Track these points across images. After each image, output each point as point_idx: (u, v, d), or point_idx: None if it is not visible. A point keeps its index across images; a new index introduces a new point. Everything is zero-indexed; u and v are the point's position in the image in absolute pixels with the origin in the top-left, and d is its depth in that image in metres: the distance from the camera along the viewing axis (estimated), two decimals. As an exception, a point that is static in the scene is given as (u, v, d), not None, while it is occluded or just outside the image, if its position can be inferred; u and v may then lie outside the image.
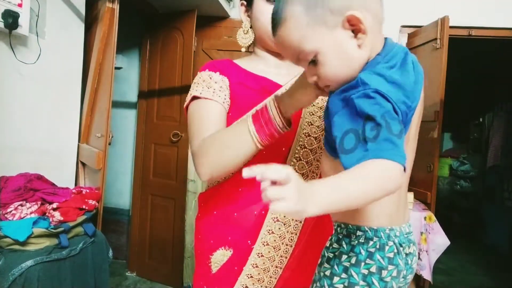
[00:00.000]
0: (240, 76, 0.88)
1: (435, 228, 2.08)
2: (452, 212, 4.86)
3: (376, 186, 0.48)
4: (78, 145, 2.08)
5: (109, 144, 1.93)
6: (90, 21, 2.10)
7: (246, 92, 0.86)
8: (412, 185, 2.42)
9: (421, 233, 2.03)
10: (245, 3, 0.91)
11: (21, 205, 1.46)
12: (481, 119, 5.05)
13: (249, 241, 0.82)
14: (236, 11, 2.81)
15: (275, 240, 0.82)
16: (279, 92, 0.78)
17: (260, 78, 0.89)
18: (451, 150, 5.34)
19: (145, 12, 2.79)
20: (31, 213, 1.45)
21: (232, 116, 0.85)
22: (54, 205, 1.53)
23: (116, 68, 2.92)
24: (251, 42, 0.92)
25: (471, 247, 4.24)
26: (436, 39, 2.28)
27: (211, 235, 0.86)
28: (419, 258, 2.03)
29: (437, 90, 2.23)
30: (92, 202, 1.69)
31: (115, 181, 3.07)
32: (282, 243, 0.82)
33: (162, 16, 2.75)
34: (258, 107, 0.77)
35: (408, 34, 2.67)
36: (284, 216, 0.81)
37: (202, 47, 2.84)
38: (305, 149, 0.86)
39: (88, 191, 1.78)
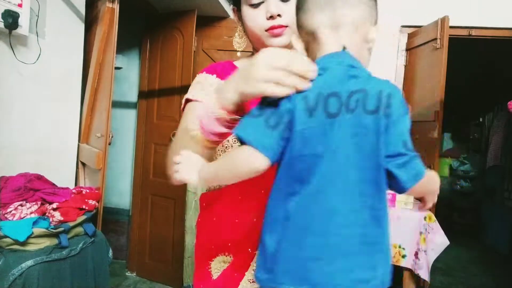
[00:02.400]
0: None
1: (434, 228, 2.08)
2: (452, 212, 4.87)
3: (232, 165, 0.61)
4: (78, 145, 2.08)
5: (109, 144, 1.93)
6: (90, 21, 2.10)
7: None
8: (412, 185, 2.42)
9: (420, 233, 2.04)
10: (235, 8, 0.94)
11: (21, 205, 1.46)
12: (481, 119, 5.06)
13: (249, 249, 0.80)
14: (236, 11, 2.81)
15: None
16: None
17: None
18: (451, 150, 5.34)
19: (145, 12, 2.79)
20: (31, 213, 1.45)
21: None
22: (54, 205, 1.53)
23: (116, 68, 2.92)
24: (245, 45, 0.94)
25: (471, 247, 4.24)
26: (436, 39, 2.28)
27: (212, 241, 0.85)
28: (417, 257, 2.03)
29: (437, 90, 2.23)
30: (92, 202, 1.69)
31: (115, 181, 3.07)
32: None
33: (162, 16, 2.75)
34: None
35: (408, 34, 2.67)
36: None
37: (202, 47, 2.84)
38: None
39: (88, 191, 1.78)
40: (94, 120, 2.07)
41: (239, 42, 0.96)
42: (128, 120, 3.05)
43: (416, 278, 2.10)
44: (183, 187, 2.66)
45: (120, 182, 3.09)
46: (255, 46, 0.91)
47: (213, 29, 2.82)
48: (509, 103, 1.94)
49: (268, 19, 0.81)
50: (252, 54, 0.96)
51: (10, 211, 1.41)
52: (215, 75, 0.88)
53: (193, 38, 2.59)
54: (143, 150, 2.88)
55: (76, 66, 2.03)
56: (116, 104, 2.94)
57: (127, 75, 3.05)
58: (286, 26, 0.81)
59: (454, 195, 4.94)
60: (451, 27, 2.27)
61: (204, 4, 2.54)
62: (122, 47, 2.93)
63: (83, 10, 2.03)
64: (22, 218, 1.41)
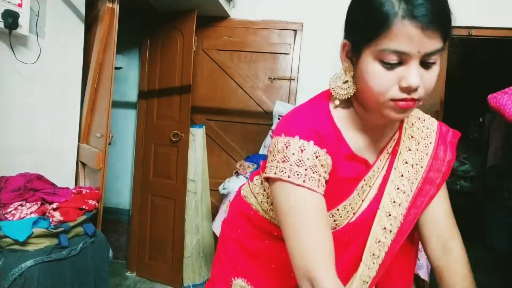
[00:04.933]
0: (342, 157, 0.71)
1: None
2: (452, 212, 4.86)
3: None
4: (78, 145, 2.08)
5: (109, 144, 1.93)
6: (90, 21, 2.10)
7: (343, 182, 0.72)
8: (412, 185, 2.42)
9: (421, 233, 2.04)
10: (349, 46, 0.68)
11: (21, 205, 1.46)
12: (481, 119, 5.05)
13: None
14: (236, 11, 2.81)
15: None
16: None
17: (359, 160, 0.74)
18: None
19: (145, 12, 2.79)
20: (31, 213, 1.45)
21: None
22: (54, 205, 1.53)
23: (116, 68, 2.92)
24: (350, 95, 0.70)
25: (471, 247, 4.21)
26: (436, 39, 2.28)
27: (241, 263, 0.84)
28: (417, 258, 2.02)
29: (437, 90, 2.24)
30: (92, 202, 1.69)
31: (115, 181, 3.07)
32: None
33: (162, 16, 2.75)
34: None
35: (408, 34, 2.67)
36: None
37: (202, 47, 2.84)
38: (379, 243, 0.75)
39: (88, 191, 1.78)
40: (94, 120, 2.07)
41: (342, 87, 0.69)
42: (128, 120, 3.05)
43: (416, 278, 2.10)
44: (183, 187, 2.66)
45: (120, 182, 3.09)
46: (363, 102, 0.70)
47: (213, 29, 2.82)
48: (489, 96, 1.91)
49: (401, 89, 0.61)
50: (351, 105, 0.74)
51: (10, 211, 1.41)
52: (325, 150, 0.67)
53: (193, 38, 2.59)
54: (143, 150, 2.88)
55: (76, 66, 2.03)
56: (116, 104, 2.94)
57: (127, 75, 3.05)
58: (418, 100, 0.63)
59: (454, 195, 4.94)
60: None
61: (204, 4, 2.54)
62: (122, 47, 2.93)
63: (83, 10, 2.03)
64: (22, 218, 1.41)
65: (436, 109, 2.23)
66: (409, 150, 0.77)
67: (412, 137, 0.78)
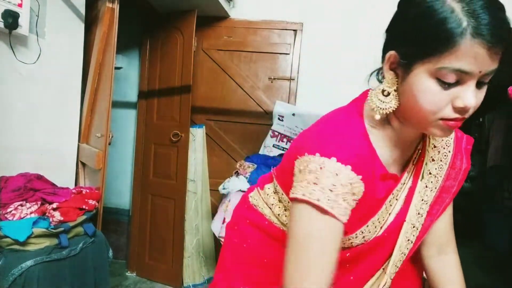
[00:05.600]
0: (376, 178, 0.68)
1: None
2: (452, 212, 4.86)
3: None
4: (78, 145, 2.08)
5: (109, 144, 1.93)
6: (90, 21, 2.10)
7: (374, 200, 0.70)
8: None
9: (421, 233, 2.04)
10: (398, 58, 0.62)
11: (21, 205, 1.46)
12: (481, 119, 5.05)
13: None
14: (236, 11, 2.81)
15: None
16: None
17: (390, 177, 0.72)
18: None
19: (145, 12, 2.79)
20: (31, 213, 1.45)
21: (348, 227, 0.67)
22: (54, 205, 1.53)
23: (116, 68, 2.92)
24: (391, 109, 0.65)
25: (471, 247, 4.24)
26: (436, 39, 2.28)
27: (249, 271, 0.83)
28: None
29: (437, 90, 2.24)
30: (92, 202, 1.69)
31: (115, 181, 3.07)
32: None
33: (162, 16, 2.75)
34: None
35: (408, 34, 2.67)
36: None
37: (202, 47, 2.84)
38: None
39: (88, 191, 1.78)
40: (94, 120, 2.07)
41: (383, 100, 0.64)
42: (128, 120, 3.05)
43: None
44: (183, 187, 2.66)
45: (120, 182, 3.09)
46: (408, 120, 0.66)
47: (213, 29, 2.82)
48: (509, 88, 1.91)
49: (455, 109, 0.58)
50: (387, 120, 0.70)
51: (10, 211, 1.41)
52: (360, 177, 0.62)
53: (193, 38, 2.59)
54: (143, 150, 2.88)
55: (76, 66, 2.03)
56: (116, 104, 2.94)
57: (127, 75, 3.05)
58: (464, 118, 0.60)
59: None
60: (451, 27, 2.27)
61: (204, 4, 2.54)
62: (122, 47, 2.93)
63: (83, 10, 2.03)
64: (22, 218, 1.41)
65: (436, 109, 2.23)
66: (433, 160, 0.76)
67: (435, 146, 0.77)
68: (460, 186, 0.77)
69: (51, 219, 1.47)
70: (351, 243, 0.72)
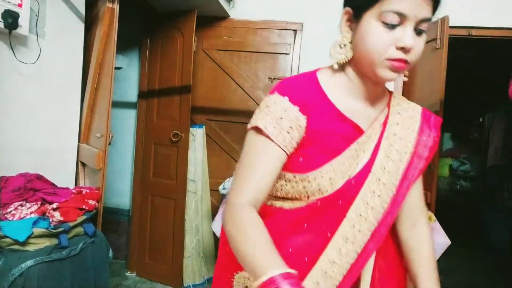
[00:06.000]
0: (327, 116, 0.78)
1: (435, 228, 2.08)
2: (452, 212, 4.86)
3: None
4: (78, 145, 2.08)
5: (109, 144, 1.93)
6: (90, 21, 2.10)
7: (328, 140, 0.77)
8: (412, 185, 2.42)
9: (421, 233, 2.03)
10: (351, 12, 0.76)
11: (21, 205, 1.46)
12: (481, 119, 5.05)
13: None
14: (236, 11, 2.81)
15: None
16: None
17: (346, 124, 0.79)
18: (451, 150, 5.34)
19: (145, 12, 2.79)
20: (31, 213, 1.45)
21: (304, 165, 0.77)
22: (54, 205, 1.53)
23: (116, 68, 2.92)
24: (347, 60, 0.77)
25: (471, 247, 4.24)
26: (436, 39, 2.27)
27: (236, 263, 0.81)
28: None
29: (437, 90, 2.23)
30: (92, 202, 1.69)
31: (115, 181, 3.07)
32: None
33: (162, 16, 2.75)
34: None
35: (408, 34, 2.67)
36: (333, 271, 0.76)
37: (202, 47, 2.84)
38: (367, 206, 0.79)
39: (88, 191, 1.78)
40: (94, 120, 2.07)
41: (339, 52, 0.77)
42: (128, 120, 3.05)
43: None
44: (183, 187, 2.66)
45: (120, 182, 3.09)
46: (358, 65, 0.78)
47: (213, 29, 2.82)
48: (510, 88, 1.91)
49: (398, 48, 0.70)
50: (343, 71, 0.82)
51: (10, 211, 1.41)
52: (297, 108, 0.75)
53: (193, 38, 2.59)
54: (143, 150, 2.88)
55: (76, 66, 2.03)
56: (116, 104, 2.94)
57: (127, 75, 3.05)
58: (408, 64, 0.72)
59: (454, 195, 4.94)
60: (451, 27, 2.27)
61: (204, 4, 2.54)
62: (122, 47, 2.93)
63: (83, 10, 2.03)
64: (22, 218, 1.41)
65: (436, 109, 2.23)
66: (397, 124, 0.83)
67: (399, 113, 0.85)
68: (432, 153, 0.84)
69: (51, 219, 1.47)
70: (319, 187, 0.76)
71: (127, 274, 2.91)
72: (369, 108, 0.83)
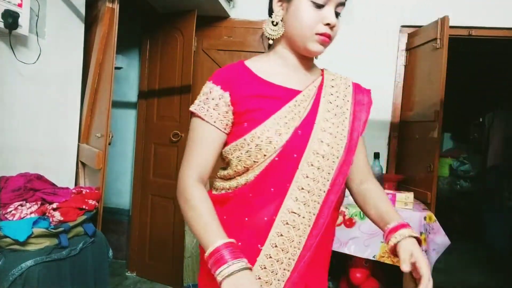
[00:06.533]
0: (253, 86, 0.86)
1: (435, 228, 2.08)
2: (452, 212, 4.86)
3: None
4: (78, 145, 2.08)
5: (109, 144, 1.93)
6: (90, 21, 2.10)
7: (262, 102, 0.85)
8: (412, 185, 2.42)
9: (421, 233, 2.03)
10: None
11: (21, 205, 1.46)
12: (481, 119, 5.05)
13: (259, 245, 0.83)
14: (236, 11, 2.81)
15: (283, 242, 0.82)
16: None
17: (277, 88, 0.88)
18: (451, 150, 5.34)
19: (145, 12, 2.79)
20: (31, 213, 1.45)
21: (249, 126, 0.84)
22: (54, 205, 1.53)
23: (116, 68, 2.92)
24: (279, 36, 0.87)
25: (471, 247, 4.24)
26: (436, 39, 2.28)
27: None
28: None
29: (437, 90, 2.23)
30: (92, 202, 1.69)
31: (115, 181, 3.07)
32: (291, 246, 0.83)
33: (162, 16, 2.75)
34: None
35: (408, 34, 2.67)
36: (294, 220, 0.82)
37: (202, 47, 2.84)
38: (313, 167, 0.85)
39: (88, 191, 1.78)
40: (94, 120, 2.07)
41: (272, 29, 0.87)
42: (128, 120, 3.05)
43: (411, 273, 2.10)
44: (183, 187, 2.66)
45: (120, 182, 3.09)
46: (289, 42, 0.89)
47: (213, 29, 2.82)
48: None
49: (324, 24, 0.82)
50: (272, 51, 0.93)
51: (10, 211, 1.41)
52: (219, 86, 0.86)
53: (193, 38, 2.59)
54: (143, 150, 2.88)
55: (76, 66, 2.03)
56: (116, 104, 2.94)
57: (127, 75, 3.05)
58: (330, 39, 0.85)
59: (454, 195, 4.94)
60: (451, 27, 2.27)
61: (204, 4, 2.54)
62: (122, 47, 2.93)
63: (83, 10, 2.03)
64: (22, 218, 1.41)
65: (436, 109, 2.23)
66: (332, 87, 0.93)
67: (332, 79, 0.95)
68: (369, 108, 0.95)
69: (51, 219, 1.47)
70: (270, 140, 0.82)
71: (127, 274, 2.91)
72: (303, 77, 0.92)
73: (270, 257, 0.82)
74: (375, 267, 2.28)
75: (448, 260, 3.55)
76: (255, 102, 0.85)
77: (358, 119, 0.92)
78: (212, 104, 0.85)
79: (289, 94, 0.87)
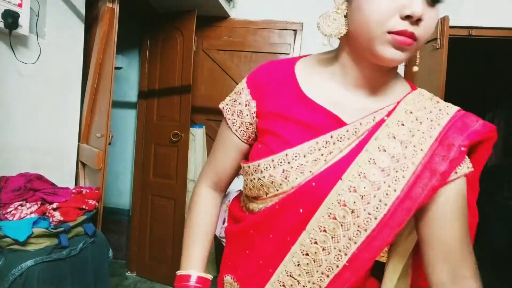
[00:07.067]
0: (284, 101, 0.66)
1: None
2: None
3: None
4: (78, 145, 2.08)
5: (109, 144, 1.93)
6: (90, 21, 2.10)
7: (286, 126, 0.65)
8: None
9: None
10: None
11: (21, 205, 1.46)
12: (481, 119, 5.05)
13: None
14: (236, 11, 2.81)
15: None
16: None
17: (316, 110, 0.64)
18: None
19: (145, 12, 2.79)
20: (31, 213, 1.45)
21: (258, 152, 0.66)
22: (54, 205, 1.53)
23: (116, 68, 2.92)
24: (339, 34, 0.62)
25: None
26: (436, 39, 2.28)
27: (230, 257, 0.80)
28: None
29: (437, 90, 2.23)
30: (92, 202, 1.69)
31: (115, 181, 3.07)
32: None
33: (162, 16, 2.75)
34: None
35: (408, 34, 2.67)
36: (291, 285, 0.65)
37: (202, 47, 2.84)
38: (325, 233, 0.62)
39: (88, 191, 1.78)
40: (94, 120, 2.07)
41: (329, 25, 0.62)
42: (128, 120, 3.05)
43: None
44: (183, 187, 2.66)
45: (120, 182, 3.09)
46: (353, 45, 0.62)
47: (213, 29, 2.82)
48: None
49: (402, 18, 0.55)
50: (335, 57, 0.68)
51: (10, 211, 1.41)
52: (249, 91, 0.70)
53: (193, 38, 2.59)
54: (143, 150, 2.88)
55: (76, 66, 2.03)
56: (116, 104, 2.95)
57: (127, 75, 3.05)
58: (416, 40, 0.56)
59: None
60: (451, 27, 2.27)
61: (204, 4, 2.54)
62: (122, 47, 2.93)
63: (83, 10, 2.03)
64: (22, 218, 1.41)
65: (436, 109, 2.23)
66: (402, 125, 0.62)
67: (411, 112, 0.63)
68: (453, 167, 0.59)
69: (51, 219, 1.47)
70: (272, 180, 0.63)
71: (127, 274, 2.91)
72: (365, 100, 0.65)
73: None
74: (375, 267, 2.28)
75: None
76: (278, 123, 0.66)
77: (424, 185, 0.58)
78: (237, 109, 0.72)
79: (328, 123, 0.63)
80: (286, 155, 0.62)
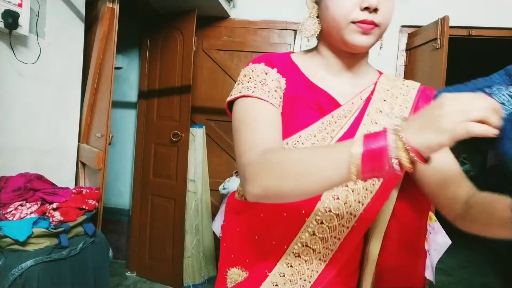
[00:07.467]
0: (299, 85, 0.75)
1: (436, 228, 2.08)
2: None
3: None
4: (78, 145, 2.08)
5: (109, 144, 1.93)
6: (90, 21, 2.10)
7: (302, 107, 0.72)
8: (412, 185, 2.42)
9: (421, 233, 2.03)
10: None
11: (21, 205, 1.46)
12: (481, 119, 5.05)
13: (266, 270, 0.75)
14: (236, 11, 2.81)
15: (292, 274, 0.74)
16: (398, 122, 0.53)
17: (319, 91, 0.75)
18: (451, 150, 5.34)
19: (145, 12, 2.79)
20: (31, 213, 1.45)
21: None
22: (54, 205, 1.53)
23: (116, 68, 2.92)
24: (316, 33, 0.75)
25: (471, 247, 4.24)
26: (436, 39, 2.28)
27: (232, 250, 0.81)
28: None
29: (437, 90, 2.23)
30: (92, 202, 1.69)
31: (115, 181, 3.07)
32: (300, 278, 0.74)
33: (162, 16, 2.75)
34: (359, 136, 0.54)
35: (408, 34, 2.67)
36: (306, 254, 0.72)
37: (202, 47, 2.84)
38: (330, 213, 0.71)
39: (88, 191, 1.78)
40: (94, 120, 2.07)
41: (310, 25, 0.75)
42: (128, 120, 3.05)
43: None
44: (183, 187, 2.66)
45: (120, 182, 3.09)
46: (327, 38, 0.75)
47: (213, 29, 2.82)
48: None
49: (362, 9, 0.66)
50: (317, 51, 0.79)
51: (10, 211, 1.41)
52: (276, 69, 0.74)
53: (193, 38, 2.59)
54: (143, 150, 2.88)
55: (76, 66, 2.03)
56: (116, 104, 2.94)
57: (127, 75, 3.05)
58: (377, 26, 0.68)
59: (454, 195, 4.93)
60: (451, 27, 2.27)
61: (204, 4, 2.54)
62: (122, 47, 2.93)
63: (83, 10, 2.03)
64: (22, 218, 1.41)
65: (436, 109, 2.23)
66: (384, 101, 0.75)
67: (388, 90, 0.77)
68: None
69: (51, 219, 1.47)
70: None
71: (127, 274, 2.91)
72: (349, 84, 0.77)
73: (276, 285, 0.74)
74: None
75: (448, 260, 3.55)
76: (293, 105, 0.73)
77: None
78: (272, 86, 0.72)
79: (328, 105, 0.74)
80: (300, 136, 0.70)
